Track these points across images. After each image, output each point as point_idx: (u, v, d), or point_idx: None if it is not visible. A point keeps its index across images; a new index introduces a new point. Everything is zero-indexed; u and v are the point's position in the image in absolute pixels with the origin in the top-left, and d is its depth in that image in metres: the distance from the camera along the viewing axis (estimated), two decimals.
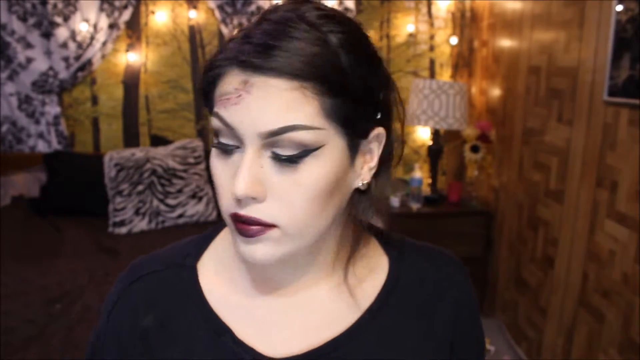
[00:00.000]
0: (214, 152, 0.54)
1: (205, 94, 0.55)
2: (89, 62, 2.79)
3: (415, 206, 2.76)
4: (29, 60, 2.74)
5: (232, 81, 0.50)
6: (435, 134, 2.87)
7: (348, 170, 0.55)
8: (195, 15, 2.85)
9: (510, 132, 2.53)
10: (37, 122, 2.82)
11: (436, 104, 2.67)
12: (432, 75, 3.04)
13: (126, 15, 2.78)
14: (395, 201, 2.79)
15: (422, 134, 3.08)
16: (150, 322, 0.61)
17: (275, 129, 0.49)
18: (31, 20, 2.70)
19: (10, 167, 2.74)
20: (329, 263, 0.62)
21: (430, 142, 2.90)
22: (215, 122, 0.52)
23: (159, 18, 2.84)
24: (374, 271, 0.65)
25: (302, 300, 0.62)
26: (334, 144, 0.52)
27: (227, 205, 0.53)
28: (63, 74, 2.77)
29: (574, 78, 1.95)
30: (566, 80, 2.01)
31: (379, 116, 0.56)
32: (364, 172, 0.57)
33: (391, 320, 0.62)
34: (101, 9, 2.74)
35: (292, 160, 0.50)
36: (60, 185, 2.62)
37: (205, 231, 0.68)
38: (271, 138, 0.49)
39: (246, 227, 0.52)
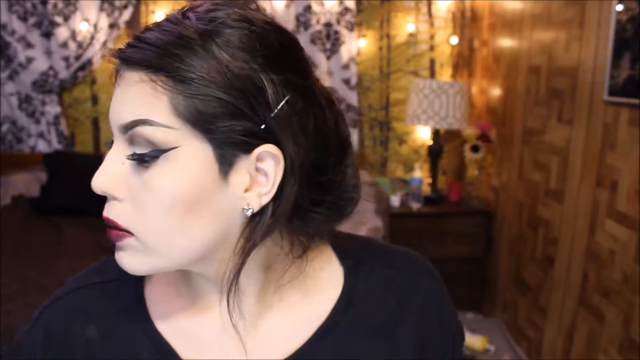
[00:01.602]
0: None
1: None
2: (89, 62, 2.79)
3: (415, 206, 2.76)
4: (29, 60, 2.74)
5: (118, 71, 0.51)
6: (436, 133, 2.87)
7: (219, 185, 0.48)
8: None
9: (511, 131, 2.53)
10: (38, 121, 2.82)
11: (436, 104, 2.67)
12: (432, 74, 3.04)
13: (126, 15, 2.78)
14: (395, 201, 2.79)
15: (422, 134, 3.08)
16: (92, 333, 0.59)
17: (127, 122, 0.48)
18: (31, 20, 2.70)
19: (11, 166, 2.74)
20: (258, 286, 0.57)
21: (431, 142, 2.90)
22: None
23: (159, 18, 2.84)
24: (327, 286, 0.60)
25: (249, 320, 0.57)
26: (192, 149, 0.47)
27: None
28: (63, 74, 2.77)
29: (574, 78, 1.95)
30: (566, 80, 2.01)
31: (263, 127, 0.47)
32: (250, 196, 0.49)
33: (345, 340, 0.58)
34: (101, 9, 2.74)
35: (142, 160, 0.47)
36: (60, 185, 2.62)
37: None
38: (128, 133, 0.48)
39: (108, 230, 0.50)
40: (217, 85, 0.46)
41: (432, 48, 3.02)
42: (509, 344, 2.49)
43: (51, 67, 2.76)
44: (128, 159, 0.48)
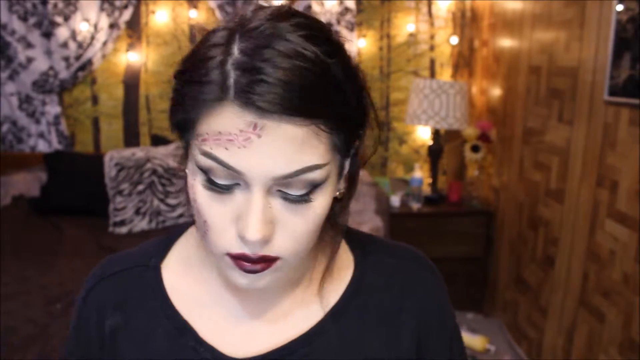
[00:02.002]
0: (204, 191, 0.49)
1: (177, 107, 0.50)
2: (90, 62, 2.79)
3: (415, 206, 2.76)
4: (30, 60, 2.74)
5: (233, 120, 0.45)
6: (436, 133, 2.87)
7: (336, 188, 0.54)
8: (195, 15, 2.85)
9: (511, 131, 2.53)
10: (38, 121, 2.82)
11: (436, 104, 2.67)
12: (433, 74, 3.04)
13: (126, 15, 2.78)
14: (395, 201, 2.79)
15: (423, 134, 3.08)
16: (117, 320, 0.62)
17: (289, 172, 0.47)
18: (32, 20, 2.70)
19: (11, 166, 2.74)
20: (302, 271, 0.62)
21: (431, 142, 2.90)
22: (206, 162, 0.48)
23: (160, 18, 2.84)
24: (339, 271, 0.64)
25: (267, 301, 0.61)
26: (334, 171, 0.51)
27: (227, 245, 0.50)
28: (63, 74, 2.77)
29: (575, 78, 1.95)
30: (566, 80, 2.01)
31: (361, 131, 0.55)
32: (341, 183, 0.56)
33: (353, 324, 0.61)
34: (101, 9, 2.74)
35: (301, 199, 0.49)
36: (60, 185, 2.62)
37: (169, 232, 0.68)
38: (283, 180, 0.47)
39: (252, 265, 0.50)
40: (355, 113, 0.51)
41: (432, 48, 3.02)
42: (509, 344, 2.49)
43: (51, 67, 2.76)
44: (284, 199, 0.49)
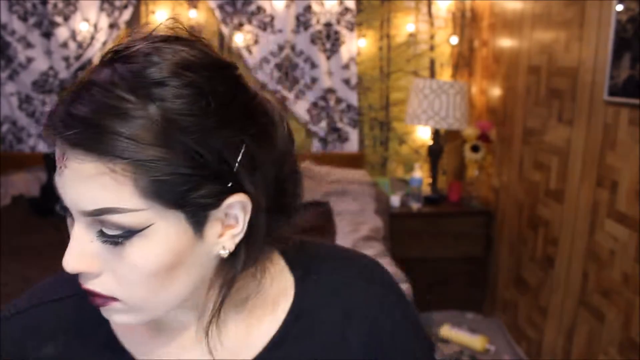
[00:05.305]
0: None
1: None
2: (90, 62, 2.79)
3: (415, 206, 2.76)
4: (30, 60, 2.74)
5: (58, 148, 0.46)
6: (436, 133, 2.87)
7: (194, 242, 0.49)
8: (195, 15, 2.85)
9: (511, 131, 2.53)
10: (38, 121, 2.82)
11: (436, 104, 2.67)
12: (433, 75, 3.04)
13: (126, 15, 2.78)
14: (395, 201, 2.79)
15: (423, 134, 3.08)
16: (50, 351, 0.58)
17: (90, 209, 0.45)
18: (31, 20, 2.70)
19: (11, 166, 2.74)
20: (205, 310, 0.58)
21: (431, 142, 2.90)
22: None
23: (160, 18, 2.84)
24: (276, 298, 0.60)
25: (215, 337, 0.58)
26: (165, 222, 0.47)
27: None
28: (63, 74, 2.78)
29: (574, 78, 1.95)
30: (566, 80, 2.01)
31: (230, 185, 0.48)
32: (225, 239, 0.51)
33: (297, 353, 0.59)
34: (101, 9, 2.74)
35: (116, 242, 0.46)
36: None
37: None
38: (92, 217, 0.46)
39: (90, 297, 0.50)
40: (178, 162, 0.45)
41: (432, 48, 3.02)
42: (509, 344, 2.49)
43: (51, 67, 2.77)
44: (98, 239, 0.47)
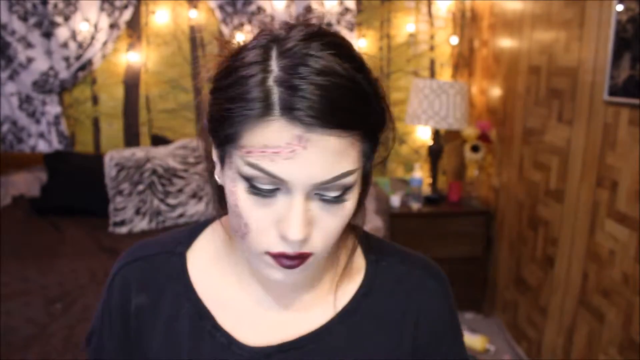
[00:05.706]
0: (247, 196, 0.54)
1: (218, 122, 0.54)
2: (90, 62, 2.79)
3: (415, 206, 2.76)
4: (30, 60, 2.74)
5: (279, 134, 0.50)
6: (436, 133, 2.87)
7: (360, 188, 0.59)
8: (195, 15, 2.85)
9: (511, 131, 2.53)
10: (38, 121, 2.82)
11: (436, 104, 2.67)
12: (433, 75, 3.04)
13: (127, 15, 2.78)
14: (395, 201, 2.79)
15: (422, 134, 3.09)
16: (142, 300, 0.67)
17: (329, 178, 0.52)
18: (32, 20, 2.70)
19: (11, 166, 2.74)
20: (322, 269, 0.67)
21: (431, 142, 2.90)
22: (251, 171, 0.52)
23: (160, 18, 2.84)
24: (351, 274, 0.68)
25: (285, 297, 0.66)
26: (360, 173, 0.56)
27: (267, 245, 0.55)
28: (63, 74, 2.78)
29: (574, 78, 1.95)
30: (566, 80, 2.01)
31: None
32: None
33: (361, 326, 0.66)
34: (102, 9, 2.74)
35: (337, 200, 0.54)
36: (60, 185, 2.62)
37: (197, 222, 0.73)
38: (322, 185, 0.52)
39: (290, 261, 0.55)
40: (381, 122, 0.57)
41: (432, 48, 3.02)
42: (509, 344, 2.49)
43: (51, 67, 2.77)
44: (322, 201, 0.54)
